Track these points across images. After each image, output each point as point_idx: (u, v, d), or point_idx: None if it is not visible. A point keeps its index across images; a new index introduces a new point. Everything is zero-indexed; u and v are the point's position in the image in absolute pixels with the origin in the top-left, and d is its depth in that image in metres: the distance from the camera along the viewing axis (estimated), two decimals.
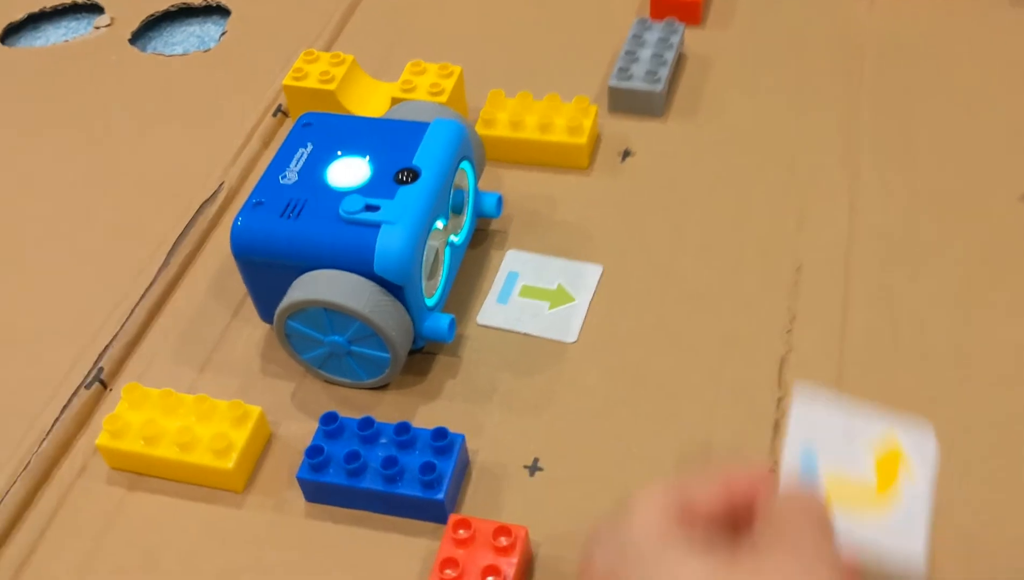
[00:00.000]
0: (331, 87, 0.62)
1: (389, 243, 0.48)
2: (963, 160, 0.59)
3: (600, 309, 0.54)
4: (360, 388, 0.52)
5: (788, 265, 0.55)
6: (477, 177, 0.57)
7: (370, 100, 0.63)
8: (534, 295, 0.55)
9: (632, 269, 0.56)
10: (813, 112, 0.63)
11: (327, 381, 0.52)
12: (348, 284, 0.48)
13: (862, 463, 0.40)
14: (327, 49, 0.71)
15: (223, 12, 0.79)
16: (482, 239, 0.58)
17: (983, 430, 0.47)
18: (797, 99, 0.64)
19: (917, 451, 0.40)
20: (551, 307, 0.54)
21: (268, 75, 0.70)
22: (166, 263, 0.59)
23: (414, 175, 0.50)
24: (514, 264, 0.57)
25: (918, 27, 0.68)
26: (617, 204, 0.59)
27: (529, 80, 0.67)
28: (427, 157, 0.51)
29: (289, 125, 0.66)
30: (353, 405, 0.51)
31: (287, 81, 0.63)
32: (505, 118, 0.61)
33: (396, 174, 0.50)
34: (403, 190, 0.49)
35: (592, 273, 0.56)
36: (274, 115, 0.67)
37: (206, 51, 0.74)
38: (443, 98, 0.60)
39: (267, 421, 0.50)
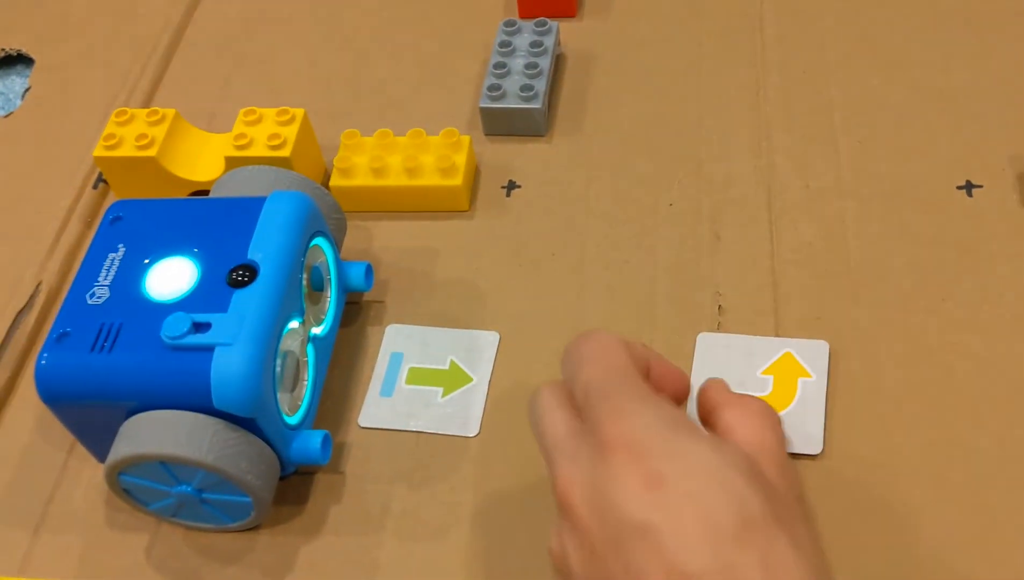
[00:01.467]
0: (151, 152, 0.52)
1: (227, 370, 0.38)
2: (891, 140, 0.52)
3: (502, 387, 0.46)
4: (227, 531, 0.43)
5: (708, 294, 0.47)
6: (338, 247, 0.48)
7: (201, 161, 0.53)
8: (424, 380, 0.46)
9: (533, 330, 0.47)
10: (716, 101, 0.55)
11: (187, 527, 0.43)
12: (183, 429, 0.38)
13: (762, 380, 0.43)
14: (148, 101, 0.61)
15: (26, 61, 0.67)
16: (354, 315, 0.49)
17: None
18: (696, 88, 0.56)
19: (811, 358, 0.44)
20: (445, 393, 0.46)
21: (83, 137, 0.59)
22: None
23: (251, 273, 0.41)
24: (396, 342, 0.48)
25: None
26: (508, 249, 0.51)
27: (387, 114, 0.57)
28: (266, 245, 0.42)
29: (114, 199, 0.56)
30: (220, 555, 0.42)
31: (98, 152, 0.52)
32: (364, 164, 0.52)
33: (229, 274, 0.41)
34: (239, 295, 0.40)
35: (488, 342, 0.47)
36: (94, 187, 0.57)
37: (7, 116, 0.63)
38: (286, 151, 0.51)
39: None
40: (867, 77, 0.55)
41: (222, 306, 0.40)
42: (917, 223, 0.48)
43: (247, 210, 0.43)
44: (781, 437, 0.34)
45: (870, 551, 0.39)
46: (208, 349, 0.39)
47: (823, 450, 0.41)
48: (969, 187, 0.49)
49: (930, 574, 0.38)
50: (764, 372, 0.43)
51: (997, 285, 0.45)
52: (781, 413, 0.42)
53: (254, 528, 0.43)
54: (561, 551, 0.33)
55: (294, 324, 0.42)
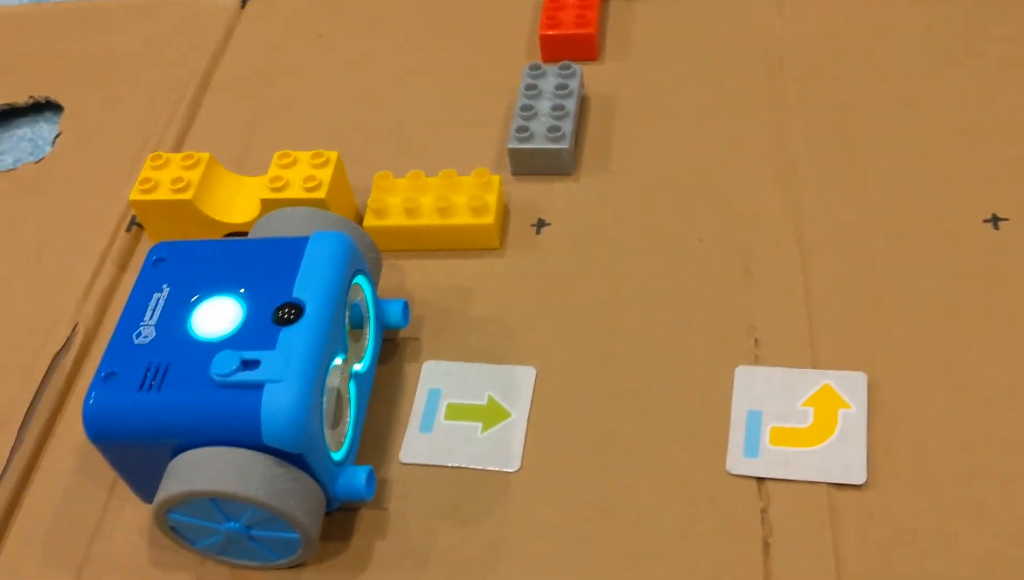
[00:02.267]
0: (187, 196, 0.53)
1: (277, 407, 0.39)
2: (915, 175, 0.53)
3: (541, 422, 0.46)
4: (274, 568, 0.43)
5: (742, 328, 0.48)
6: (375, 285, 0.49)
7: (236, 203, 0.54)
8: (463, 415, 0.47)
9: (569, 365, 0.48)
10: (740, 139, 0.56)
11: (232, 565, 0.44)
12: (233, 466, 0.39)
13: (802, 412, 0.44)
14: (177, 146, 0.62)
15: (54, 108, 0.69)
16: (391, 352, 0.50)
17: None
18: (719, 127, 0.57)
19: (850, 389, 0.44)
20: (484, 428, 0.46)
21: (115, 181, 0.60)
22: (19, 440, 0.49)
23: (297, 311, 0.42)
24: (434, 378, 0.48)
25: (837, 29, 0.61)
26: (539, 286, 0.51)
27: (418, 156, 0.58)
28: (311, 284, 0.42)
29: (148, 242, 0.57)
30: None
31: (134, 196, 0.53)
32: (398, 204, 0.53)
33: (275, 312, 0.42)
34: (286, 333, 0.41)
35: (525, 377, 0.48)
36: (128, 230, 0.57)
37: (38, 162, 0.64)
38: (321, 192, 0.52)
39: None
40: (887, 113, 0.56)
41: (269, 344, 0.40)
42: (945, 256, 0.49)
43: (291, 250, 0.44)
44: None
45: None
46: (258, 386, 0.39)
47: (867, 480, 0.41)
48: (995, 220, 0.50)
49: None
50: (804, 404, 0.44)
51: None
52: (823, 444, 0.42)
53: (299, 565, 0.43)
54: None
55: (338, 361, 0.43)
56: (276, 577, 0.43)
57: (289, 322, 0.41)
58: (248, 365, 0.40)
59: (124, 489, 0.45)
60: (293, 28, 0.69)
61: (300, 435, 0.39)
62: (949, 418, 0.43)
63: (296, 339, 0.41)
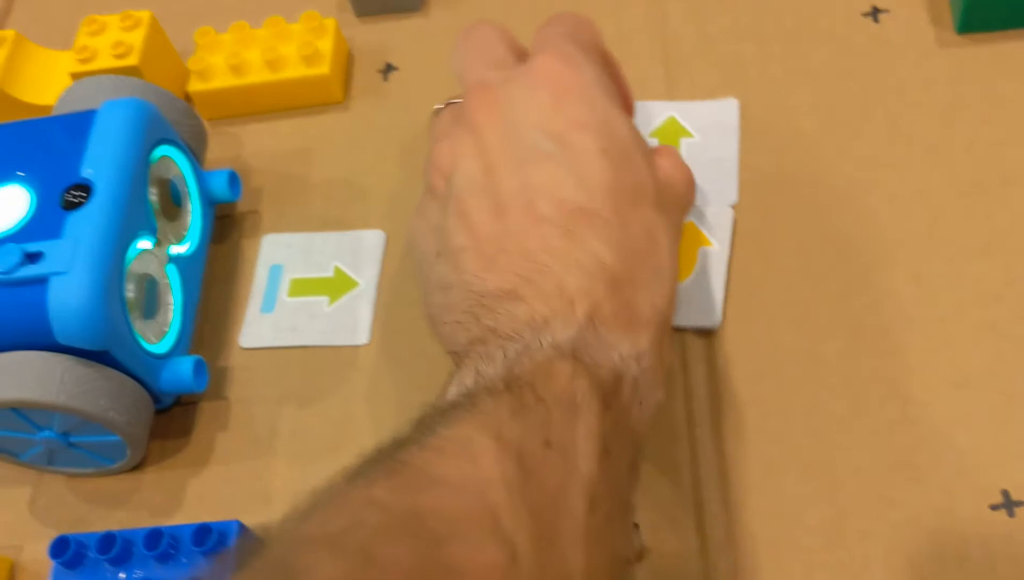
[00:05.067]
0: None
1: (66, 301, 0.35)
2: None
3: (392, 289, 0.42)
4: (110, 474, 0.40)
5: None
6: (199, 157, 0.44)
7: (48, 82, 0.48)
8: (307, 290, 0.43)
9: None
10: None
11: (68, 475, 0.40)
12: (29, 370, 0.35)
13: None
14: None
15: None
16: (227, 229, 0.45)
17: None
18: None
19: (714, 219, 0.41)
20: (331, 302, 0.42)
21: None
22: None
23: (86, 192, 0.37)
24: (274, 253, 0.44)
25: None
26: (388, 139, 0.46)
27: (247, 8, 0.51)
28: (100, 160, 0.38)
29: None
30: (107, 499, 0.40)
31: None
32: (221, 63, 0.47)
33: (62, 196, 0.37)
34: (74, 218, 0.36)
35: (374, 243, 0.43)
36: None
37: None
38: (133, 59, 0.46)
39: None
40: None
41: (56, 232, 0.36)
42: (821, 58, 0.44)
43: (79, 125, 0.39)
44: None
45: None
46: (42, 280, 0.35)
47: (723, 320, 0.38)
48: (875, 12, 0.45)
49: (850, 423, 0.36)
50: None
51: (910, 115, 0.42)
52: (680, 284, 0.39)
53: (139, 466, 0.40)
54: (451, 162, 0.34)
55: (145, 244, 0.38)
56: (116, 481, 0.40)
57: (77, 205, 0.37)
58: (31, 258, 0.35)
59: None
60: None
61: (96, 330, 0.35)
62: (817, 241, 0.39)
63: (85, 224, 0.36)
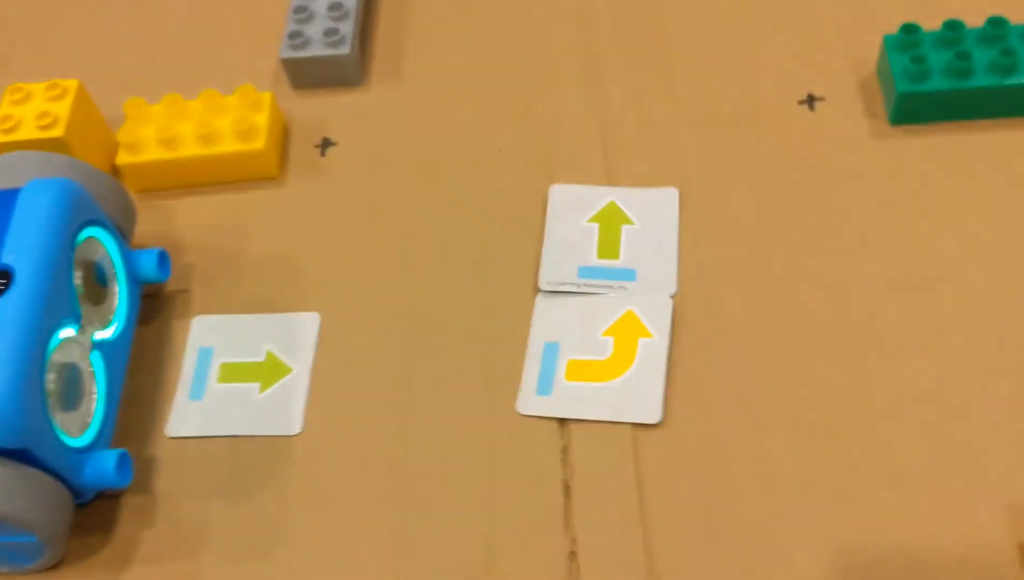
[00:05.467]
0: None
1: None
2: (726, 55, 0.48)
3: (326, 374, 0.41)
4: (27, 573, 0.38)
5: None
6: (127, 234, 0.43)
7: None
8: (238, 375, 0.41)
9: (357, 306, 0.42)
10: (542, 30, 0.50)
11: None
12: None
13: (602, 342, 0.40)
14: None
15: None
16: (155, 309, 0.43)
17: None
18: (521, 17, 0.51)
19: (653, 316, 0.40)
20: (263, 388, 0.41)
21: None
22: None
23: (5, 279, 0.35)
24: (204, 336, 0.42)
25: None
26: (324, 218, 0.45)
27: (179, 76, 0.51)
28: (21, 245, 0.36)
29: None
30: None
31: None
32: (152, 135, 0.46)
33: None
34: None
35: (308, 326, 0.42)
36: None
37: None
38: (58, 130, 0.44)
39: None
40: None
41: None
42: (758, 146, 0.45)
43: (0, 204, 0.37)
44: None
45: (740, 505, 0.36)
46: None
47: (664, 416, 0.38)
48: (811, 100, 0.46)
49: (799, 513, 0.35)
50: (605, 333, 0.40)
51: (845, 205, 0.42)
52: (619, 379, 0.38)
53: (56, 566, 0.38)
54: None
55: (68, 332, 0.37)
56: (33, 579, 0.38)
57: None
58: None
59: None
60: None
61: (14, 429, 0.33)
62: (758, 332, 0.39)
63: (3, 315, 0.34)
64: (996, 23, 0.42)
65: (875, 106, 0.45)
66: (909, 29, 0.43)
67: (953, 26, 0.42)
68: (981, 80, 0.41)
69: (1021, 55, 0.41)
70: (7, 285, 0.35)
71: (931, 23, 0.44)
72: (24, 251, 0.36)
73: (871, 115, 0.44)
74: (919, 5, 0.47)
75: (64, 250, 0.37)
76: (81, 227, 0.38)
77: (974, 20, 0.44)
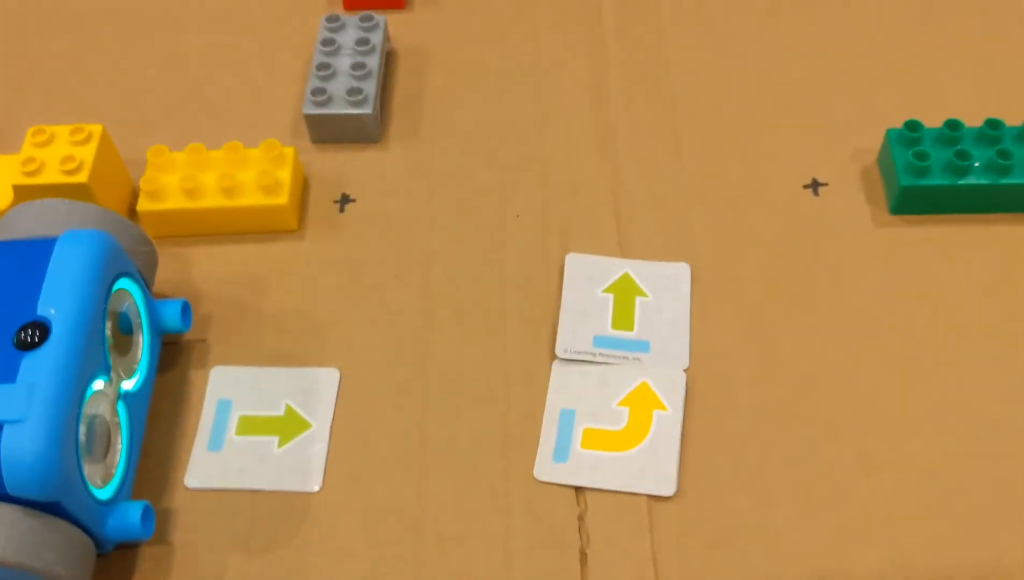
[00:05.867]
0: None
1: (19, 452, 0.33)
2: (735, 138, 0.50)
3: (345, 431, 0.42)
4: None
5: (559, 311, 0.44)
6: (149, 283, 0.43)
7: None
8: (256, 429, 0.42)
9: (376, 363, 0.43)
10: (558, 100, 0.52)
11: None
12: None
13: (617, 412, 0.41)
14: None
15: None
16: (173, 358, 0.44)
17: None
18: (536, 85, 0.53)
19: (668, 388, 0.42)
20: (281, 443, 0.41)
21: None
22: None
23: (42, 332, 0.35)
24: (223, 387, 0.43)
25: None
26: (343, 273, 0.46)
27: (201, 124, 0.51)
28: (59, 298, 0.36)
29: None
30: None
31: None
32: (175, 184, 0.47)
33: (17, 335, 0.35)
34: (29, 360, 0.35)
35: (328, 381, 0.43)
36: None
37: None
38: (82, 176, 0.45)
39: None
40: (709, 70, 0.53)
41: (9, 375, 0.34)
42: (765, 227, 0.47)
43: (34, 255, 0.37)
44: None
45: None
46: None
47: (680, 487, 0.39)
48: (815, 185, 0.48)
49: None
50: (620, 403, 0.41)
51: (848, 288, 0.44)
52: (635, 449, 0.40)
53: None
54: None
55: (99, 384, 0.37)
56: None
57: (32, 346, 0.35)
58: None
59: None
60: None
61: (50, 482, 0.33)
62: (767, 409, 0.41)
63: (41, 367, 0.34)
64: (993, 125, 0.45)
65: (876, 194, 0.47)
66: (912, 126, 0.45)
67: (953, 125, 0.45)
68: (978, 178, 0.44)
69: (1016, 156, 0.44)
70: (43, 337, 0.35)
71: (930, 119, 0.47)
72: (61, 304, 0.36)
73: (872, 203, 0.47)
74: (919, 100, 0.50)
75: (99, 303, 0.37)
76: (114, 280, 0.39)
77: (972, 119, 0.47)
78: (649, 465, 0.39)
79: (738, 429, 0.41)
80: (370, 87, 0.50)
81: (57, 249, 0.37)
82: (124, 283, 0.40)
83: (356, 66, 0.50)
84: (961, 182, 0.44)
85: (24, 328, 0.35)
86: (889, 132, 0.46)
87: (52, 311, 0.36)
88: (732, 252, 0.46)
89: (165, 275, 0.46)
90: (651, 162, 0.49)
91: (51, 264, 0.37)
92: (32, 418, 0.33)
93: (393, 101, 0.53)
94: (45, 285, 0.36)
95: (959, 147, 0.44)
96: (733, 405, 0.41)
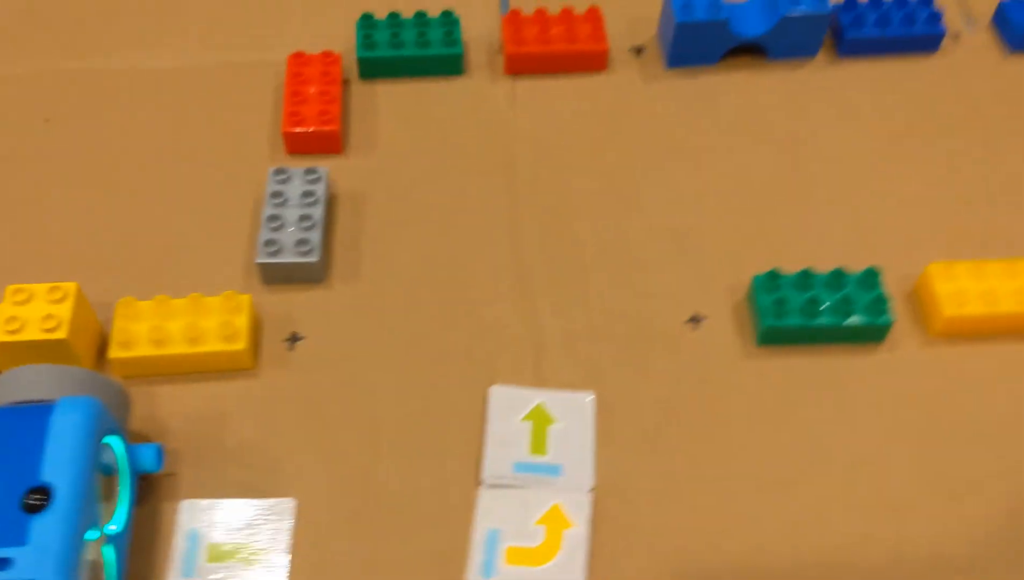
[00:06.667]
0: None
1: None
2: (631, 277, 0.58)
3: (304, 558, 0.48)
4: None
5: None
6: (125, 426, 0.49)
7: None
8: (224, 556, 0.48)
9: (329, 492, 0.50)
10: (481, 242, 0.60)
11: None
12: None
13: (535, 531, 0.49)
14: None
15: None
16: (147, 492, 0.50)
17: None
18: (462, 228, 0.60)
19: (576, 509, 0.49)
20: (247, 567, 0.48)
21: None
22: None
23: (48, 495, 0.41)
24: (193, 519, 0.49)
25: (565, 124, 0.65)
26: (295, 407, 0.53)
27: (163, 272, 0.58)
28: (60, 462, 0.42)
29: None
30: None
31: None
32: (143, 332, 0.53)
33: (24, 499, 0.41)
34: (37, 523, 0.41)
35: (284, 511, 0.50)
36: None
37: None
38: (62, 332, 0.50)
39: None
40: (609, 216, 0.61)
41: (19, 537, 0.40)
42: (656, 357, 0.55)
43: (33, 421, 0.43)
44: None
45: None
46: None
47: None
48: (695, 320, 0.57)
49: None
50: (537, 522, 0.49)
51: (726, 416, 0.53)
52: (549, 563, 0.47)
53: None
54: None
55: (92, 533, 0.43)
56: None
57: (39, 508, 0.41)
58: (1, 565, 0.40)
59: None
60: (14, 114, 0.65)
61: None
62: (668, 524, 0.49)
63: (50, 529, 0.41)
64: (838, 274, 0.54)
65: (745, 328, 0.56)
66: (772, 275, 0.54)
67: (806, 274, 0.54)
68: (827, 319, 0.53)
69: (855, 301, 0.53)
70: (47, 500, 0.41)
71: (793, 258, 0.57)
72: (61, 469, 0.42)
73: (741, 335, 0.56)
74: (780, 247, 0.59)
75: (94, 465, 0.43)
76: (105, 435, 0.45)
77: (828, 259, 0.56)
78: (561, 577, 0.47)
79: (642, 544, 0.49)
80: (315, 237, 0.57)
81: (55, 415, 0.43)
82: (109, 439, 0.46)
83: (303, 217, 0.57)
84: (812, 323, 0.53)
85: (31, 493, 0.41)
86: (755, 278, 0.55)
87: (54, 475, 0.42)
88: (630, 382, 0.54)
89: (136, 411, 0.52)
90: (563, 300, 0.57)
91: (50, 431, 0.43)
92: (44, 574, 0.39)
93: (335, 242, 0.59)
94: (46, 451, 0.42)
95: (811, 293, 0.54)
96: (636, 521, 0.50)
